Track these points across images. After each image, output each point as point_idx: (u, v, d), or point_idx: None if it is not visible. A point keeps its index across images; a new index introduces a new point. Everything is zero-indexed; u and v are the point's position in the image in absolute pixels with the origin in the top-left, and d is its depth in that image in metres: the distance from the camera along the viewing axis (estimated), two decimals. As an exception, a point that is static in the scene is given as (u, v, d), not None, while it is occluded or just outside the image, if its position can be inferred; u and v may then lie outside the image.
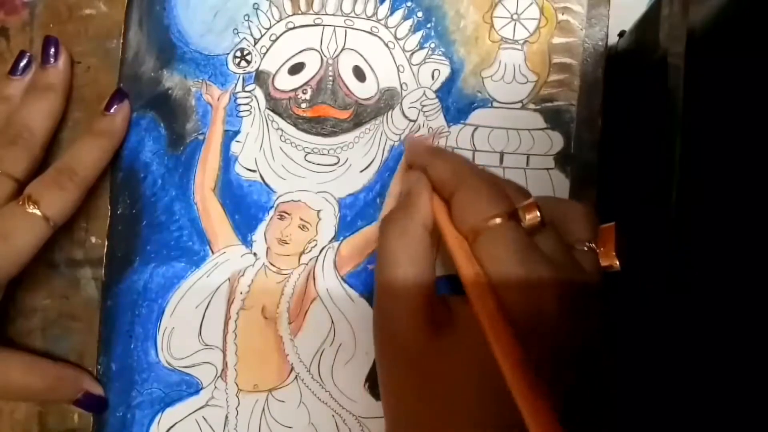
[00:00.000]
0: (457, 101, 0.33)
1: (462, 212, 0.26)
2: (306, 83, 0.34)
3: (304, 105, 0.34)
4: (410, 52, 0.33)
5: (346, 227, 0.33)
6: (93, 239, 0.35)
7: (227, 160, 0.34)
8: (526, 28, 0.33)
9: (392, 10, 0.34)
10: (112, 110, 0.33)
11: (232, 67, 0.34)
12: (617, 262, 0.26)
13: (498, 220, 0.25)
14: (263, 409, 0.33)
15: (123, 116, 0.33)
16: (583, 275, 0.26)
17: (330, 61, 0.34)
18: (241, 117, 0.34)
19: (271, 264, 0.33)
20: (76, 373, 0.34)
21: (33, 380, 0.32)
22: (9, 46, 0.35)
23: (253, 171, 0.34)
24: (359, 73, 0.33)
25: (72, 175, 0.31)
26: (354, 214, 0.33)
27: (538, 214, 0.25)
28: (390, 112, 0.33)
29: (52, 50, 0.34)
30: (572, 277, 0.25)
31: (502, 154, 0.32)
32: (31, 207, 0.30)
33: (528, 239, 0.25)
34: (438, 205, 0.27)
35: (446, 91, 0.33)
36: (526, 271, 0.24)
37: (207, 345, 0.34)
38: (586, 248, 0.27)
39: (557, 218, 0.27)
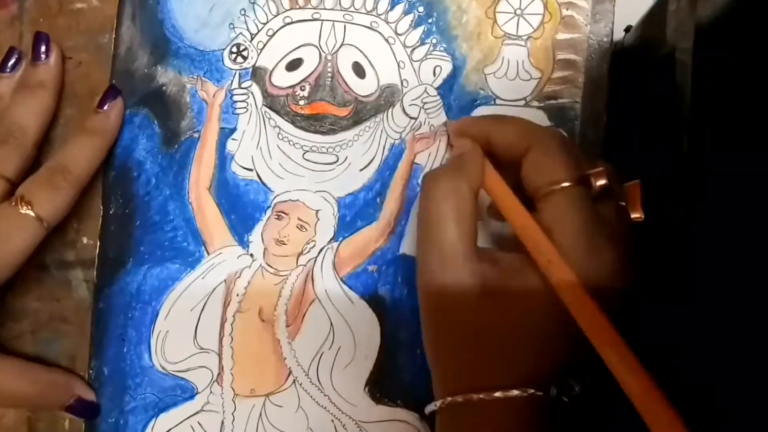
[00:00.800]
0: (459, 98, 0.32)
1: (534, 171, 0.27)
2: (304, 80, 0.33)
3: (302, 102, 0.33)
4: (411, 48, 0.33)
5: (345, 227, 0.32)
6: (84, 240, 0.34)
7: (223, 159, 0.33)
8: (529, 24, 0.32)
9: (392, 4, 0.33)
10: (105, 107, 0.32)
11: (228, 62, 0.33)
12: (643, 215, 0.27)
13: (568, 184, 0.26)
14: (260, 415, 0.32)
15: (116, 113, 0.33)
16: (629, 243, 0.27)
17: (329, 57, 0.33)
18: (238, 114, 0.33)
19: (269, 265, 0.33)
20: (68, 379, 0.33)
21: (24, 386, 0.31)
22: (-2, 41, 0.34)
23: (250, 170, 0.33)
24: (359, 70, 0.33)
25: (65, 174, 0.31)
26: (353, 214, 0.32)
27: (606, 181, 0.26)
28: (390, 110, 0.32)
29: (43, 47, 0.33)
30: (627, 248, 0.26)
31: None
32: (24, 208, 0.29)
33: (593, 208, 0.26)
34: (490, 169, 0.28)
35: (448, 87, 0.32)
36: (589, 241, 0.25)
37: (202, 348, 0.33)
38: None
39: None
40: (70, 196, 0.31)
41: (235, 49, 0.33)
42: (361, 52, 0.33)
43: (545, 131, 0.29)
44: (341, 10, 0.33)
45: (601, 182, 0.26)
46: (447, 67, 0.33)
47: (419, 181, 0.32)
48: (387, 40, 0.33)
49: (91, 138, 0.32)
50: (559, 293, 0.25)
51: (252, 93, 0.33)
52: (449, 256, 0.27)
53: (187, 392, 0.33)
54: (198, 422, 0.33)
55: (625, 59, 0.34)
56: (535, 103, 0.32)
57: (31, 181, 0.30)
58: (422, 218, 0.28)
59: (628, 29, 0.38)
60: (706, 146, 0.29)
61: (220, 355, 0.33)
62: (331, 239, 0.32)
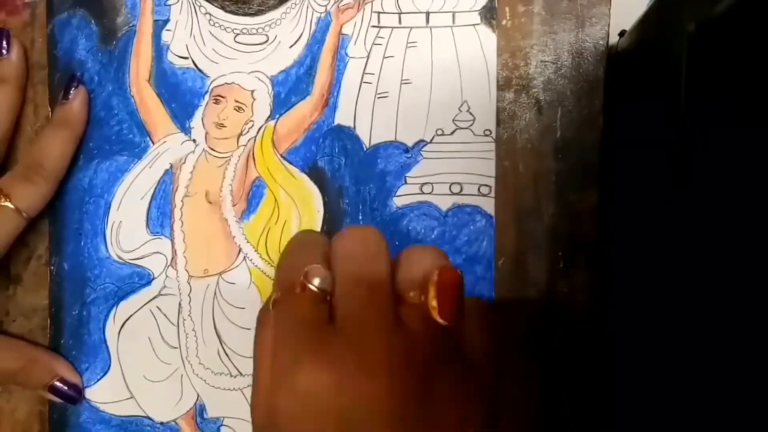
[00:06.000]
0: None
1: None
2: (231, -32, 0.34)
3: (230, -11, 0.34)
4: (332, -72, 0.33)
5: (280, 104, 0.33)
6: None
7: (159, 50, 0.34)
8: None
9: None
10: (69, 97, 0.33)
11: (157, -41, 0.34)
12: (436, 314, 0.24)
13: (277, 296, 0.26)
14: (215, 293, 0.33)
15: (80, 102, 0.33)
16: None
17: (253, -56, 0.34)
18: (169, 5, 0.34)
19: (211, 149, 0.34)
20: (52, 358, 0.34)
21: (6, 361, 0.32)
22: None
23: (186, 58, 0.34)
24: (282, -48, 0.34)
25: (39, 169, 0.32)
26: (287, 90, 0.33)
27: (314, 285, 0.25)
28: (316, -13, 0.33)
29: (4, 42, 0.33)
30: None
31: (427, 13, 0.32)
32: (3, 200, 0.31)
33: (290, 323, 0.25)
34: None
35: (370, -38, 0.33)
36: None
37: (155, 235, 0.34)
38: (415, 299, 0.25)
39: (402, 271, 0.27)
40: (46, 189, 0.32)
41: (164, -53, 0.34)
42: (284, -64, 0.34)
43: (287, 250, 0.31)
44: None
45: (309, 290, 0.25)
46: (367, -57, 0.33)
47: (347, 51, 0.33)
48: (308, -77, 0.34)
49: (60, 130, 0.33)
50: None
51: (182, -15, 0.34)
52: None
53: (144, 278, 0.34)
54: (156, 306, 0.34)
55: (619, 63, 0.35)
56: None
57: (8, 176, 0.32)
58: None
59: (622, 33, 0.38)
60: (701, 149, 0.29)
61: (172, 240, 0.34)
62: (268, 117, 0.33)
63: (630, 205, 0.34)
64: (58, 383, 0.33)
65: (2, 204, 0.31)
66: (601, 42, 0.32)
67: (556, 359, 0.32)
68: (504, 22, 0.32)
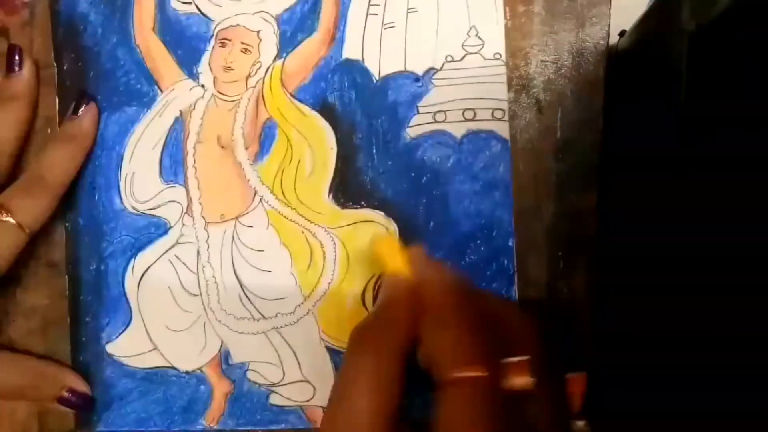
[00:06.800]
0: None
1: (434, 352, 0.24)
2: None
3: (230, -68, 0.34)
4: None
5: (287, 43, 0.33)
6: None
7: (162, -3, 0.34)
8: None
9: None
10: (78, 113, 0.33)
11: None
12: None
13: (469, 374, 0.23)
14: (233, 238, 0.33)
15: (90, 118, 0.33)
16: None
17: None
18: (169, -49, 0.34)
19: (220, 93, 0.33)
20: (58, 370, 0.33)
21: (13, 378, 0.32)
22: (9, 46, 0.35)
23: (189, 3, 0.34)
24: None
25: (42, 183, 0.31)
26: (293, 28, 0.33)
27: (530, 379, 0.23)
28: (315, -77, 0.33)
29: (16, 58, 0.33)
30: None
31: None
32: (4, 215, 0.30)
33: (497, 406, 0.23)
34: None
35: None
36: None
37: (168, 184, 0.34)
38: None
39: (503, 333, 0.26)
40: (47, 202, 0.31)
41: None
42: None
43: (462, 307, 0.25)
44: None
45: (521, 379, 0.23)
46: None
47: (351, -16, 0.33)
48: None
49: (66, 145, 0.32)
50: None
51: (181, -68, 0.34)
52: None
53: (161, 228, 0.34)
54: (175, 255, 0.34)
55: (619, 63, 0.34)
56: None
57: (10, 190, 0.31)
58: (337, 379, 0.25)
59: (622, 33, 0.38)
60: (701, 149, 0.28)
61: (186, 188, 0.33)
62: (275, 57, 0.33)
63: (630, 205, 0.34)
64: (67, 394, 0.33)
65: (4, 219, 0.30)
66: (601, 42, 0.32)
67: (555, 359, 0.32)
68: (504, 22, 0.32)
